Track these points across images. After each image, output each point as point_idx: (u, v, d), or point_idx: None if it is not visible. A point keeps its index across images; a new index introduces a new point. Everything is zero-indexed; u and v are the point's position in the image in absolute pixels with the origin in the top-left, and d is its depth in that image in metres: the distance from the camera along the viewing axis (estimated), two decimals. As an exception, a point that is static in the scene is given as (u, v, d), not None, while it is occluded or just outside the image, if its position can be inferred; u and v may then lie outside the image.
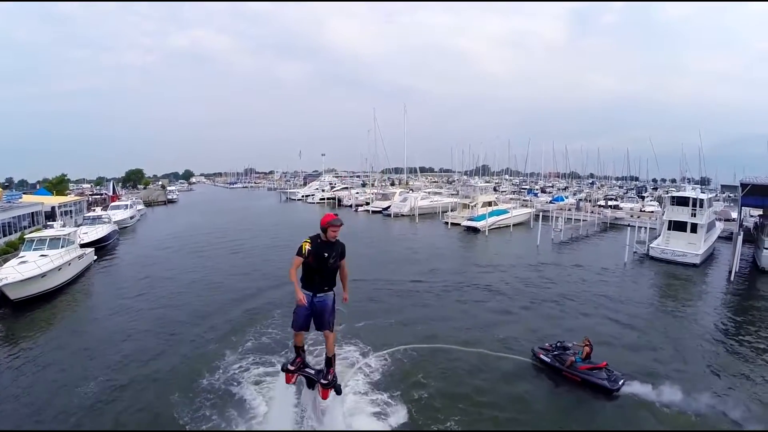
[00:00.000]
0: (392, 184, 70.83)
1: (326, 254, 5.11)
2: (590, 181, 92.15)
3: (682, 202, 25.43)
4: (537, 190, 71.82)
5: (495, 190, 63.90)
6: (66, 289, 17.22)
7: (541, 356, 10.84)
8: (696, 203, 24.71)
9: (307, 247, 5.03)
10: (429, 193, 52.14)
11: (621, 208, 47.46)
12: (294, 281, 5.09)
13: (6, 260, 17.53)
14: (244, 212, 51.65)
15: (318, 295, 5.23)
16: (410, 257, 24.30)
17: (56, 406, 8.77)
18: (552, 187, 79.05)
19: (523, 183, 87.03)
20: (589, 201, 50.86)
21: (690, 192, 26.53)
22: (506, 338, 12.46)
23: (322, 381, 5.57)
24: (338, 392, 5.75)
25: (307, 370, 5.82)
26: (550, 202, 53.36)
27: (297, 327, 5.41)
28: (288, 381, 5.80)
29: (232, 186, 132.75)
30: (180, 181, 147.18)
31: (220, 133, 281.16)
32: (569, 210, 42.22)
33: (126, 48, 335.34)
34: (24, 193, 35.73)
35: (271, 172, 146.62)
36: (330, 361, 5.60)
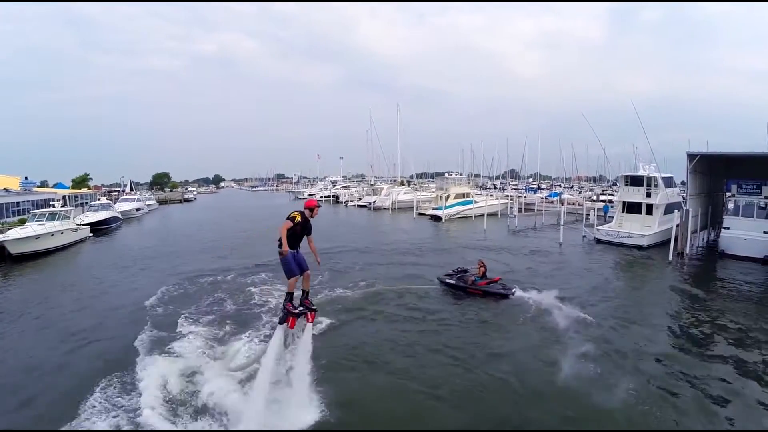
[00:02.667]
0: (401, 184, 73.41)
1: (308, 226, 6.62)
2: (612, 183, 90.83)
3: (635, 181, 23.98)
4: (535, 187, 73.49)
5: (495, 187, 65.89)
6: (57, 252, 22.03)
7: (447, 280, 13.72)
8: (651, 182, 23.34)
9: (298, 219, 6.38)
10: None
11: (612, 202, 48.66)
12: (284, 238, 6.31)
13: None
14: (246, 209, 56.64)
15: (298, 252, 6.63)
16: (359, 235, 27.61)
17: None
18: (571, 188, 79.49)
19: (542, 184, 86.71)
20: (584, 197, 53.02)
21: (644, 171, 24.59)
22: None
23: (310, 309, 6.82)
24: (316, 312, 7.08)
25: (300, 309, 6.70)
26: (545, 197, 55.31)
27: (293, 274, 6.47)
28: (292, 326, 6.55)
29: (255, 189, 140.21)
30: (211, 185, 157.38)
31: (251, 137, 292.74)
32: (551, 202, 44.47)
33: (151, 52, 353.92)
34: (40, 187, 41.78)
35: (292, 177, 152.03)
36: (307, 294, 6.97)
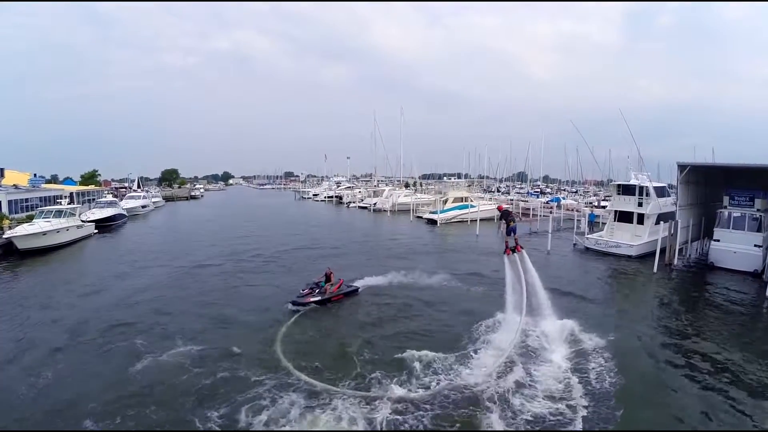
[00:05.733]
0: (406, 186, 73.75)
1: (510, 212, 12.24)
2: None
3: (627, 190, 23.99)
4: (538, 192, 73.58)
5: (499, 190, 66.13)
6: (63, 248, 23.07)
7: (311, 300, 12.97)
8: (643, 192, 23.26)
9: (502, 210, 12.49)
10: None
11: (602, 207, 48.61)
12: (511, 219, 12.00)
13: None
14: (249, 207, 57.82)
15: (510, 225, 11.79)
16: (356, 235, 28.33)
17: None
18: (575, 192, 79.17)
19: (546, 189, 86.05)
20: (588, 203, 53.11)
21: (635, 180, 24.53)
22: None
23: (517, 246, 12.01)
24: (522, 248, 12.01)
25: (509, 246, 11.85)
26: (547, 202, 55.40)
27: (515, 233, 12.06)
28: (508, 254, 11.76)
29: (262, 187, 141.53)
30: (219, 182, 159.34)
31: (262, 135, 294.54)
32: (550, 208, 44.68)
33: (167, 50, 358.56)
34: (50, 182, 43.27)
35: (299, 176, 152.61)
36: (516, 240, 11.94)
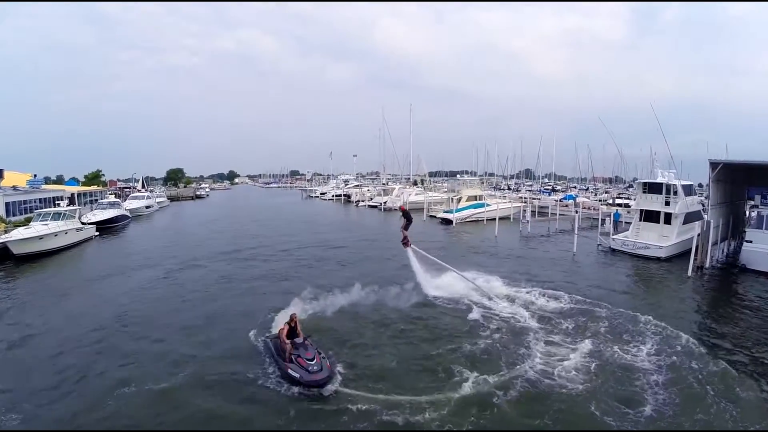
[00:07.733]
0: (414, 184, 72.27)
1: (409, 213, 15.24)
2: (628, 185, 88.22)
3: (654, 189, 22.79)
4: (549, 189, 72.20)
5: (508, 188, 64.59)
6: (62, 252, 22.06)
7: (332, 371, 8.84)
8: (670, 190, 22.14)
9: (403, 210, 15.43)
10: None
11: (629, 206, 47.06)
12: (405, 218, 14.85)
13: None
14: (256, 207, 56.85)
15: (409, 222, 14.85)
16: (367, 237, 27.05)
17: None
18: (586, 190, 77.61)
19: (556, 185, 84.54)
20: (600, 200, 51.66)
21: (662, 178, 23.27)
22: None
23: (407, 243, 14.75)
24: (408, 245, 14.72)
25: (405, 238, 14.61)
26: (560, 200, 53.87)
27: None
28: (406, 246, 14.65)
29: (268, 186, 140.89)
30: (225, 181, 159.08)
31: (267, 135, 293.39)
32: (566, 206, 43.29)
33: (171, 50, 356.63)
34: (56, 182, 42.51)
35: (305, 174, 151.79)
36: (407, 238, 14.63)
